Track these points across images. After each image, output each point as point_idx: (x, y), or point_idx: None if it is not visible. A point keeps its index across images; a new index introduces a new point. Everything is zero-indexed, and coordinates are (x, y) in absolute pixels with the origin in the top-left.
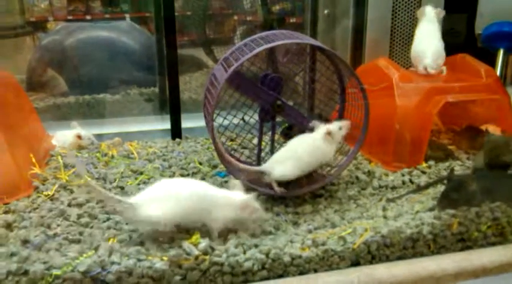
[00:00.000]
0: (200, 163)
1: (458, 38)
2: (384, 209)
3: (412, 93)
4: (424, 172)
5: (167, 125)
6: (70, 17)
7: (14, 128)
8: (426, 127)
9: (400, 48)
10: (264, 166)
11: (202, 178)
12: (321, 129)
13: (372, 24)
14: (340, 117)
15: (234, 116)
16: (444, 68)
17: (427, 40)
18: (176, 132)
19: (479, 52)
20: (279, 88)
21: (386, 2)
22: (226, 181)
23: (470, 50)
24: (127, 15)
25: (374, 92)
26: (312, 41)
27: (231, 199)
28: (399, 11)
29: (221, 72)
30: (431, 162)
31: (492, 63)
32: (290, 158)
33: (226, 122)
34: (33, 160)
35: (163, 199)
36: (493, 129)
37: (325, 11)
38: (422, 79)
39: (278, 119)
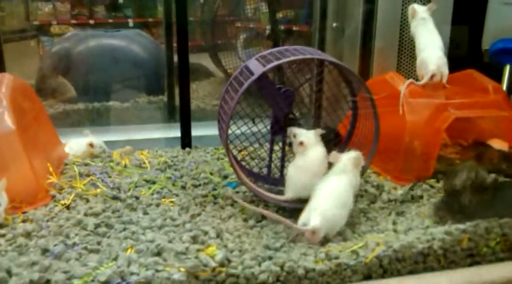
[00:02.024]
0: (211, 174)
1: (463, 51)
2: (394, 223)
3: (422, 108)
4: (432, 187)
5: (176, 133)
6: (73, 21)
7: (31, 136)
8: (435, 142)
9: (407, 61)
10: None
11: (214, 189)
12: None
13: (380, 38)
14: (351, 129)
15: (245, 124)
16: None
17: (430, 47)
18: (186, 141)
19: (485, 67)
20: (292, 102)
21: (394, 15)
22: (237, 192)
23: (476, 65)
24: (130, 21)
25: (382, 105)
26: (331, 58)
27: None
28: (407, 24)
29: (257, 66)
30: (440, 176)
31: (498, 79)
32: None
33: (238, 132)
34: (50, 169)
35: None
36: (498, 144)
37: (334, 24)
38: (431, 94)
39: None
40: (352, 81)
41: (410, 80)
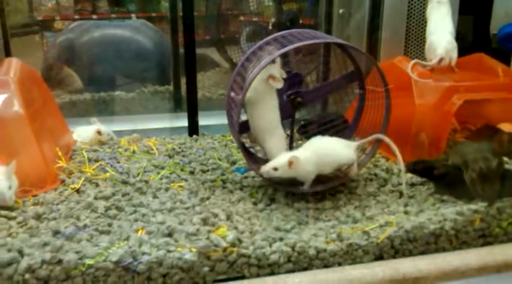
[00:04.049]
0: (219, 159)
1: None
2: (405, 205)
3: (431, 92)
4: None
5: (182, 122)
6: (77, 16)
7: (41, 122)
8: (445, 125)
9: (415, 47)
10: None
11: (222, 174)
12: None
13: (388, 23)
14: (359, 114)
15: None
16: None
17: (440, 31)
18: (193, 128)
19: (494, 52)
20: (300, 85)
21: (402, 1)
22: (246, 177)
23: (485, 50)
24: (133, 15)
25: (392, 90)
26: (341, 41)
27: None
28: (415, 9)
29: (269, 51)
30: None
31: (507, 63)
32: None
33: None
34: (59, 153)
35: None
36: (509, 127)
37: (340, 10)
38: (440, 78)
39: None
40: (359, 65)
41: (416, 60)
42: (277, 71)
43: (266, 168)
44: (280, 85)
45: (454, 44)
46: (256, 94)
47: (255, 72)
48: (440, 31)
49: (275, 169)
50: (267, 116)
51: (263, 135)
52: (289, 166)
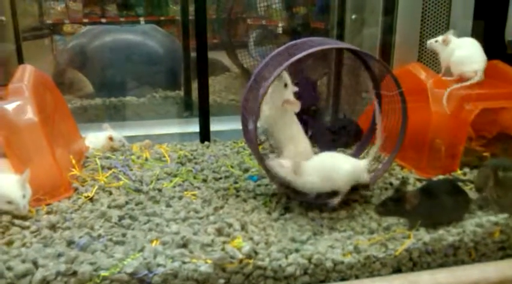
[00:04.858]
0: (232, 167)
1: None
2: None
3: (447, 99)
4: (459, 180)
5: (193, 128)
6: (86, 20)
7: (54, 129)
8: (462, 134)
9: (429, 53)
10: None
11: (235, 182)
12: None
13: (401, 29)
14: (374, 121)
15: None
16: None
17: (469, 44)
18: (205, 135)
19: (509, 59)
20: (316, 93)
21: (415, 6)
22: (258, 185)
23: (500, 56)
24: (142, 19)
25: (407, 97)
26: (355, 47)
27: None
28: (429, 15)
29: (285, 56)
30: (467, 169)
31: None
32: None
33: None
34: (73, 161)
35: None
36: None
37: (353, 16)
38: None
39: None
40: (374, 72)
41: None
42: (290, 92)
43: (273, 163)
44: (297, 108)
45: (485, 57)
46: (273, 120)
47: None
48: (470, 44)
49: (281, 166)
50: (287, 130)
51: (288, 146)
52: (294, 170)
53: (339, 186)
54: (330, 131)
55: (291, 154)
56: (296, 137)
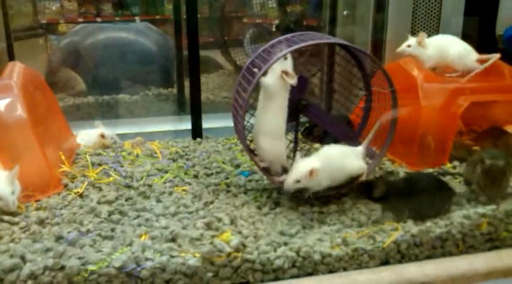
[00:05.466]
0: (223, 163)
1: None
2: None
3: (437, 93)
4: (448, 173)
5: (186, 125)
6: (80, 19)
7: (44, 126)
8: (451, 127)
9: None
10: None
11: (226, 178)
12: None
13: (392, 25)
14: (366, 117)
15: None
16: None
17: (455, 40)
18: (197, 132)
19: (500, 53)
20: (305, 89)
21: (407, 2)
22: (250, 181)
23: (491, 51)
24: (137, 18)
25: (397, 92)
26: (346, 42)
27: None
28: (420, 12)
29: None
30: (456, 163)
31: None
32: None
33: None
34: (63, 157)
35: None
36: None
37: (345, 12)
38: (446, 80)
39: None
40: (365, 67)
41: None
42: (289, 67)
43: (289, 182)
44: (293, 80)
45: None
46: (271, 87)
47: (271, 62)
48: (454, 39)
49: (297, 181)
50: (274, 119)
51: (265, 136)
52: (310, 177)
53: (344, 179)
54: (321, 126)
55: (273, 153)
56: (279, 130)
